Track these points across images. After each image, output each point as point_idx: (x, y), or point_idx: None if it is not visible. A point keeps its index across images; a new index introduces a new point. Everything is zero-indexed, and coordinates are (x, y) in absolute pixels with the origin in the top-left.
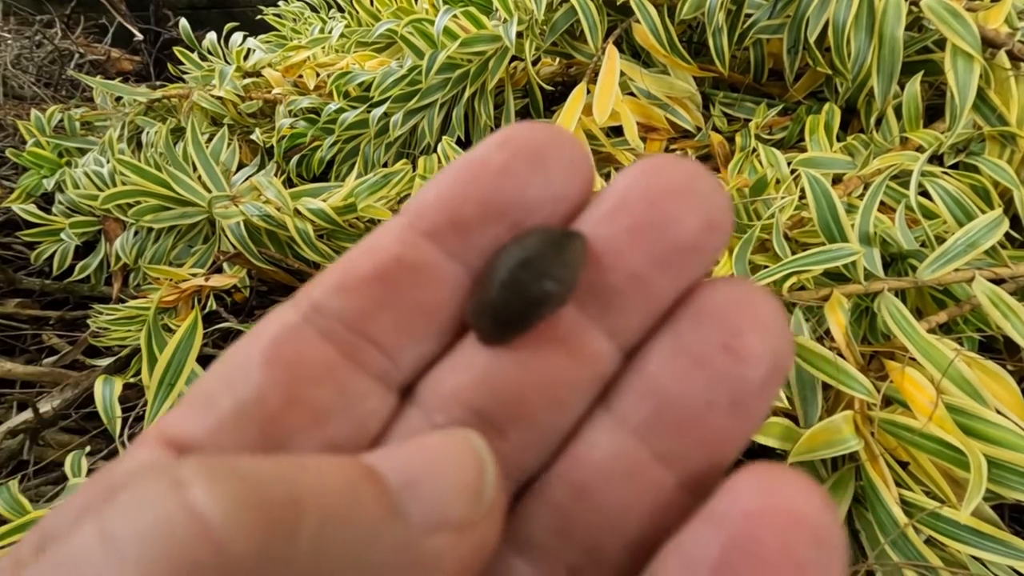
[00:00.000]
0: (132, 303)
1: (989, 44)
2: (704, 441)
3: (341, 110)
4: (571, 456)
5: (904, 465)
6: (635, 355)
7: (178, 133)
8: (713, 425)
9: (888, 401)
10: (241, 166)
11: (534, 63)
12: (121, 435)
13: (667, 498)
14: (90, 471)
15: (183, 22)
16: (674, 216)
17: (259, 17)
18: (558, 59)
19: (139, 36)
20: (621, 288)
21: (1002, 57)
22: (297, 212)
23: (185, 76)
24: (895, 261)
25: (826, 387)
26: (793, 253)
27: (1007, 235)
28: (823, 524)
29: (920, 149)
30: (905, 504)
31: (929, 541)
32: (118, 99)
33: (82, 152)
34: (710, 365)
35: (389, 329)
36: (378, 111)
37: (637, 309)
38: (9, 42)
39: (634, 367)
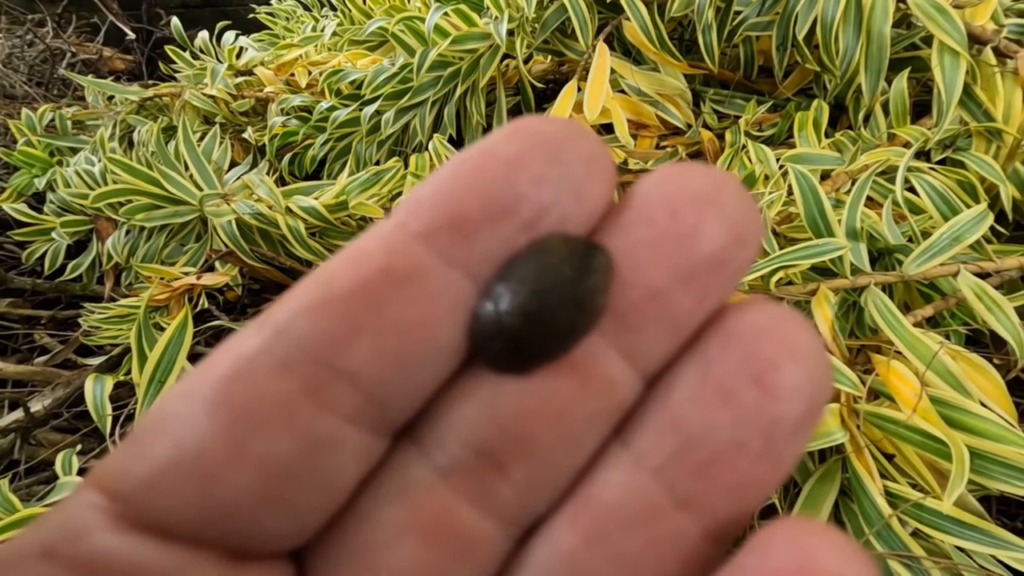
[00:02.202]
0: (123, 302)
1: (975, 41)
2: (731, 486)
3: (333, 108)
4: (582, 498)
5: (889, 457)
6: (657, 384)
7: (170, 132)
8: (742, 468)
9: (874, 394)
10: (233, 164)
11: (525, 61)
12: (112, 433)
13: (688, 548)
14: (81, 470)
15: (175, 21)
16: (698, 227)
17: (251, 16)
18: (549, 57)
19: (131, 35)
20: (640, 306)
21: (988, 54)
22: (289, 210)
23: (177, 75)
24: (882, 256)
25: None
26: (781, 248)
27: (992, 229)
28: None
29: (907, 145)
30: (890, 495)
31: (915, 533)
32: (110, 98)
33: (73, 151)
34: (739, 400)
35: (367, 357)
36: (370, 109)
37: (658, 330)
38: (0, 41)
39: (655, 397)
